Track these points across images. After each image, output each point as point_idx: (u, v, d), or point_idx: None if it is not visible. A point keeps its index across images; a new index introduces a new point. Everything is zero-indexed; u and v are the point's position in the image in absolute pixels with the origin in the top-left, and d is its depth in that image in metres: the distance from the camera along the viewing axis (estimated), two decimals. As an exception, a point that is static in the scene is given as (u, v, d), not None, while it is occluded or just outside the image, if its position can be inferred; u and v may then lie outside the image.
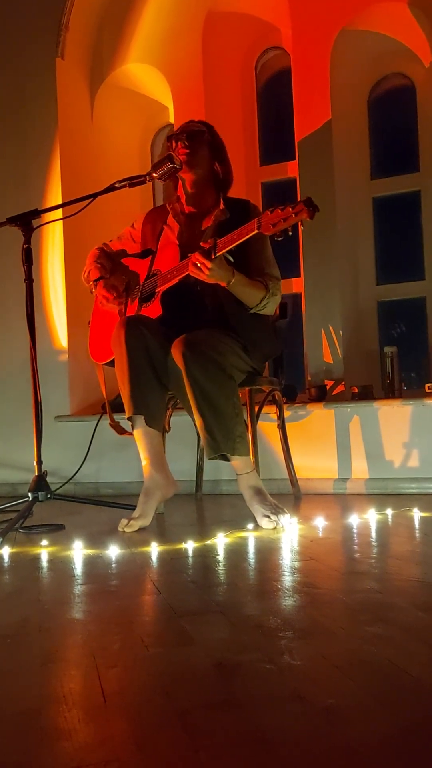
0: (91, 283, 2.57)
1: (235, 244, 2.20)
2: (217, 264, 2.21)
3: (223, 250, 2.22)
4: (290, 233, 2.13)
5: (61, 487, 2.81)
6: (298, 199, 2.14)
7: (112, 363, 2.53)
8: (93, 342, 2.68)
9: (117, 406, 2.61)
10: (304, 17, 3.41)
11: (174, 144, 2.50)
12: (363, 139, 3.64)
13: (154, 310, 2.41)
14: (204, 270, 2.21)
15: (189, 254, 2.30)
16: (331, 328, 3.36)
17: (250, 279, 2.35)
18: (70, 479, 2.96)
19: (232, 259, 2.28)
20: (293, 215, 2.08)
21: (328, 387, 3.27)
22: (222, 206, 2.52)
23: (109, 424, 2.65)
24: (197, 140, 2.50)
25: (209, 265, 2.20)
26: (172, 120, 3.74)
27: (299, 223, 2.11)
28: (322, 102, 3.38)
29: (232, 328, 2.36)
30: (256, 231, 2.16)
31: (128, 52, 3.71)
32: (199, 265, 2.21)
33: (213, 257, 2.20)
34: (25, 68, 3.63)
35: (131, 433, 2.47)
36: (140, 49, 3.70)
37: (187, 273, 2.28)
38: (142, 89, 3.89)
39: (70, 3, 3.54)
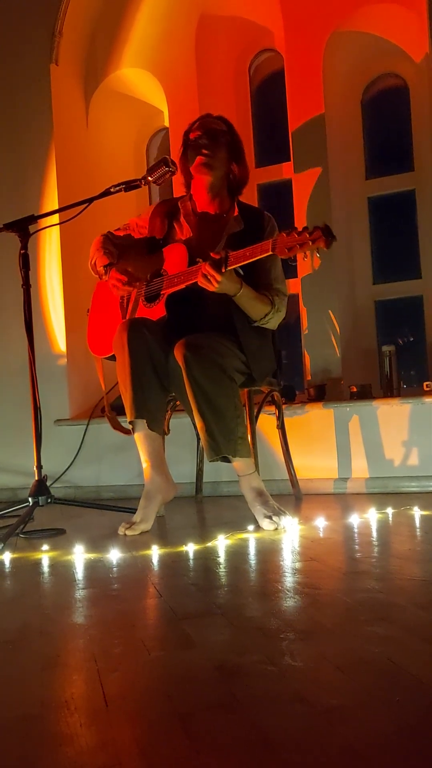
0: (100, 269, 2.51)
1: (247, 261, 2.20)
2: (226, 277, 2.21)
3: (234, 266, 2.21)
4: (305, 259, 2.12)
5: (53, 482, 2.80)
6: (316, 225, 2.09)
7: (111, 357, 2.52)
8: (92, 335, 2.65)
9: (116, 407, 2.61)
10: (297, 19, 3.41)
11: (194, 141, 2.46)
12: (357, 139, 3.64)
13: (157, 311, 2.40)
14: (213, 283, 2.21)
15: (198, 260, 2.29)
16: (328, 328, 3.36)
17: (257, 292, 2.34)
18: (59, 478, 2.96)
19: (242, 272, 2.27)
20: (309, 242, 2.07)
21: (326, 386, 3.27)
22: (236, 212, 2.50)
23: (106, 415, 2.65)
24: (218, 141, 2.47)
25: (219, 278, 2.19)
26: (166, 123, 3.75)
27: (315, 251, 2.08)
28: (316, 103, 3.38)
29: (236, 337, 2.35)
30: (270, 252, 2.15)
31: (122, 57, 3.72)
32: (208, 277, 2.21)
33: (223, 270, 2.20)
34: (20, 74, 3.63)
35: (127, 431, 2.48)
36: (134, 53, 3.71)
37: (194, 281, 2.27)
38: (136, 94, 3.89)
39: (63, 9, 3.55)
